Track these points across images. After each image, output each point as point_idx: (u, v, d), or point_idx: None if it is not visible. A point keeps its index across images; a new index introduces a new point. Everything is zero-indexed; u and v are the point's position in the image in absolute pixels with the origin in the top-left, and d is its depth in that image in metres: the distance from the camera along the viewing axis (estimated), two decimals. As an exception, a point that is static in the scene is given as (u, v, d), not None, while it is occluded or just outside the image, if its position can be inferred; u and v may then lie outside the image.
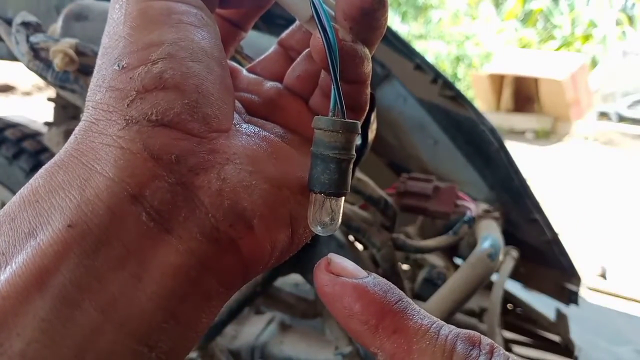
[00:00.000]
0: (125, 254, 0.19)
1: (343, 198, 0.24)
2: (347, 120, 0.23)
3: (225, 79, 0.23)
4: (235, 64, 0.30)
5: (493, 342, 0.20)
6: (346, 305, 0.21)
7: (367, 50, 0.24)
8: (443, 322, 0.21)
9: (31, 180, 0.20)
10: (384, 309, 0.20)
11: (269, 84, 0.29)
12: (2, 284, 0.18)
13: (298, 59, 0.28)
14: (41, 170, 0.21)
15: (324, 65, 0.24)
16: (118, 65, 0.21)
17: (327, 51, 0.23)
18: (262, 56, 0.30)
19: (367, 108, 0.27)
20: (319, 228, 0.24)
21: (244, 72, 0.30)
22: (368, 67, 0.25)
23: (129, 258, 0.19)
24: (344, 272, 0.22)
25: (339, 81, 0.23)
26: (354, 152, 0.24)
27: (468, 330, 0.20)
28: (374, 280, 0.21)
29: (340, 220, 0.24)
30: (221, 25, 0.28)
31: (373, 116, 0.32)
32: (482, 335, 0.20)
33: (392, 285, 0.21)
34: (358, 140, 0.31)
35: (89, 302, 0.18)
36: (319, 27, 0.23)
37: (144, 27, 0.21)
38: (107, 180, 0.19)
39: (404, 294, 0.21)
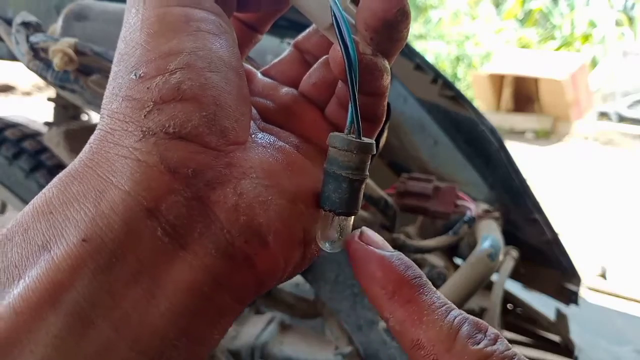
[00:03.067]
0: (140, 270, 0.19)
1: (352, 217, 0.24)
2: (362, 141, 0.23)
3: (242, 89, 0.23)
4: (250, 67, 0.29)
5: (499, 332, 0.21)
6: (370, 270, 0.23)
7: (386, 63, 0.24)
8: (455, 306, 0.22)
9: (44, 190, 0.20)
10: (403, 280, 0.22)
11: (284, 90, 0.28)
12: (15, 298, 0.17)
13: (315, 66, 0.28)
14: (55, 180, 0.20)
15: (342, 79, 0.24)
16: (135, 74, 0.21)
17: (347, 69, 0.22)
18: (277, 59, 0.30)
19: (384, 119, 0.27)
20: (327, 245, 0.24)
21: (259, 75, 0.29)
22: (387, 79, 0.24)
23: (143, 274, 0.19)
24: (374, 244, 0.23)
25: (357, 99, 0.23)
26: (367, 173, 0.23)
27: (476, 318, 0.21)
28: (399, 257, 0.23)
29: None
30: (237, 28, 0.28)
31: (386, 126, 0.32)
32: (489, 325, 0.21)
33: (414, 265, 0.23)
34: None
35: (102, 319, 0.18)
36: (340, 42, 0.22)
37: (161, 34, 0.21)
38: (123, 193, 0.19)
39: (424, 274, 0.23)
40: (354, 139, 0.23)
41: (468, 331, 0.20)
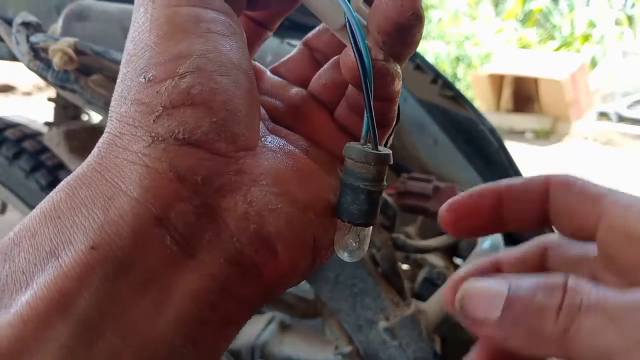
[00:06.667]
0: (148, 279, 0.19)
1: (371, 227, 0.24)
2: (380, 152, 0.23)
3: (252, 92, 0.22)
4: (260, 65, 0.29)
5: None
6: None
7: (398, 67, 0.23)
8: None
9: (52, 194, 0.20)
10: None
11: (294, 90, 0.28)
12: (23, 307, 0.17)
13: (325, 66, 0.28)
14: (63, 184, 0.20)
15: (353, 84, 0.24)
16: (144, 78, 0.20)
17: (362, 80, 0.22)
18: (287, 57, 0.30)
19: (394, 123, 0.27)
20: (346, 254, 0.24)
21: (268, 73, 0.29)
22: (399, 84, 0.24)
23: (152, 283, 0.19)
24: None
25: (372, 110, 0.22)
26: (384, 183, 0.23)
27: None
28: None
29: (367, 247, 0.24)
30: (246, 25, 0.27)
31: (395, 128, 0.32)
32: None
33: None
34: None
35: (109, 328, 0.18)
36: (355, 52, 0.22)
37: (171, 36, 0.21)
38: (132, 200, 0.19)
39: None
40: (371, 151, 0.22)
41: None
